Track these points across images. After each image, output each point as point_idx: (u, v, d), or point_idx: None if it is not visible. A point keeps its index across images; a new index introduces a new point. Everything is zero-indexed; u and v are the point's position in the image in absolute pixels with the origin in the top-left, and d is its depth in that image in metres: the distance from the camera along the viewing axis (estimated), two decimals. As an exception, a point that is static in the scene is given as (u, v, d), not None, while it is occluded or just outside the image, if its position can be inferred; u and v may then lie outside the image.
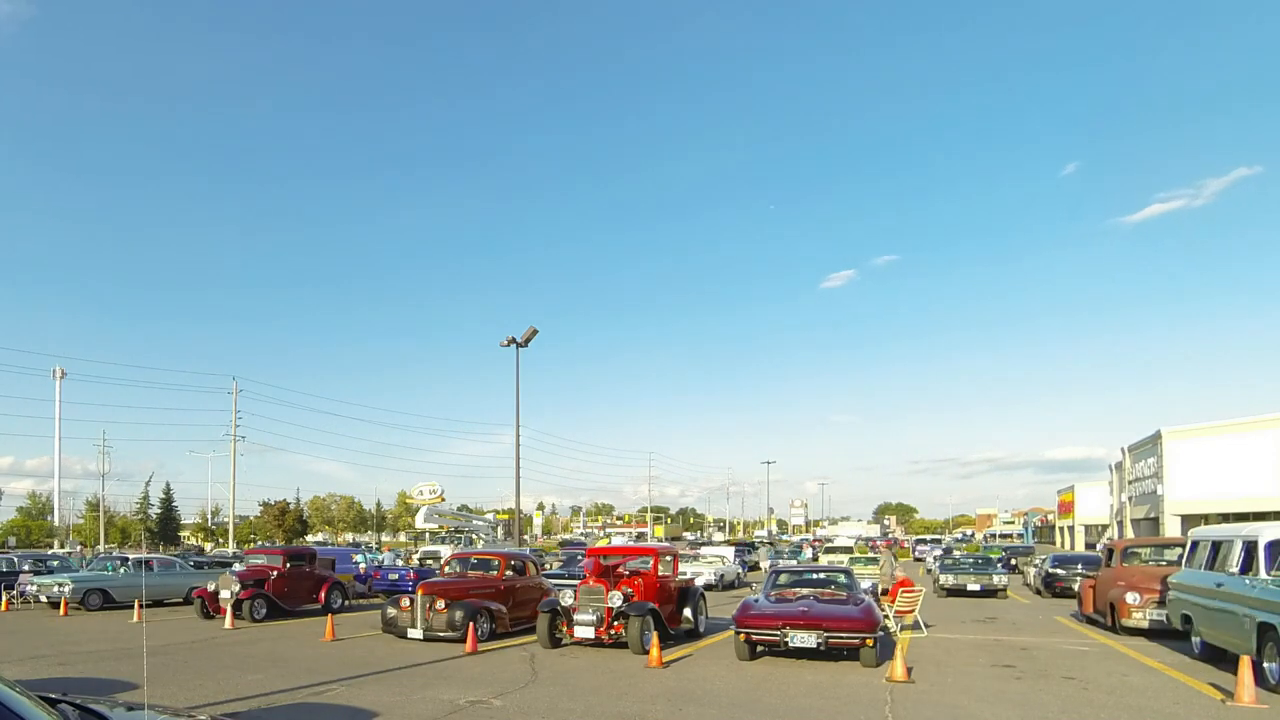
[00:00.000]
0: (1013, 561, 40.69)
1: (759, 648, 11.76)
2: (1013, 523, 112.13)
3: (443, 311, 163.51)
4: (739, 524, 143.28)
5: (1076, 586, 20.23)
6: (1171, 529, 33.91)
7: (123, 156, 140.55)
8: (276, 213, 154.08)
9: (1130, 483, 43.22)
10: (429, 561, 31.02)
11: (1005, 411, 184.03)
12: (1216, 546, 11.54)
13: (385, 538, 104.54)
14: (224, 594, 17.30)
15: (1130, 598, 14.42)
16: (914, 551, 63.65)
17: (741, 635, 11.53)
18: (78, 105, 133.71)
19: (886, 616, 13.79)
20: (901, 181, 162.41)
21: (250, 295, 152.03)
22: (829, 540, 51.80)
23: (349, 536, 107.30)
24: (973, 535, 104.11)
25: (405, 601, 14.16)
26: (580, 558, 27.05)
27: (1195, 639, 11.77)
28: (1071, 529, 65.95)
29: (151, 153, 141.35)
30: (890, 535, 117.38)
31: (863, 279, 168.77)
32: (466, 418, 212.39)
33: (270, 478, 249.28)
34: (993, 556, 33.50)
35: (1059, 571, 25.00)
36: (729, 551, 34.89)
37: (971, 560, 28.81)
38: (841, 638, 11.00)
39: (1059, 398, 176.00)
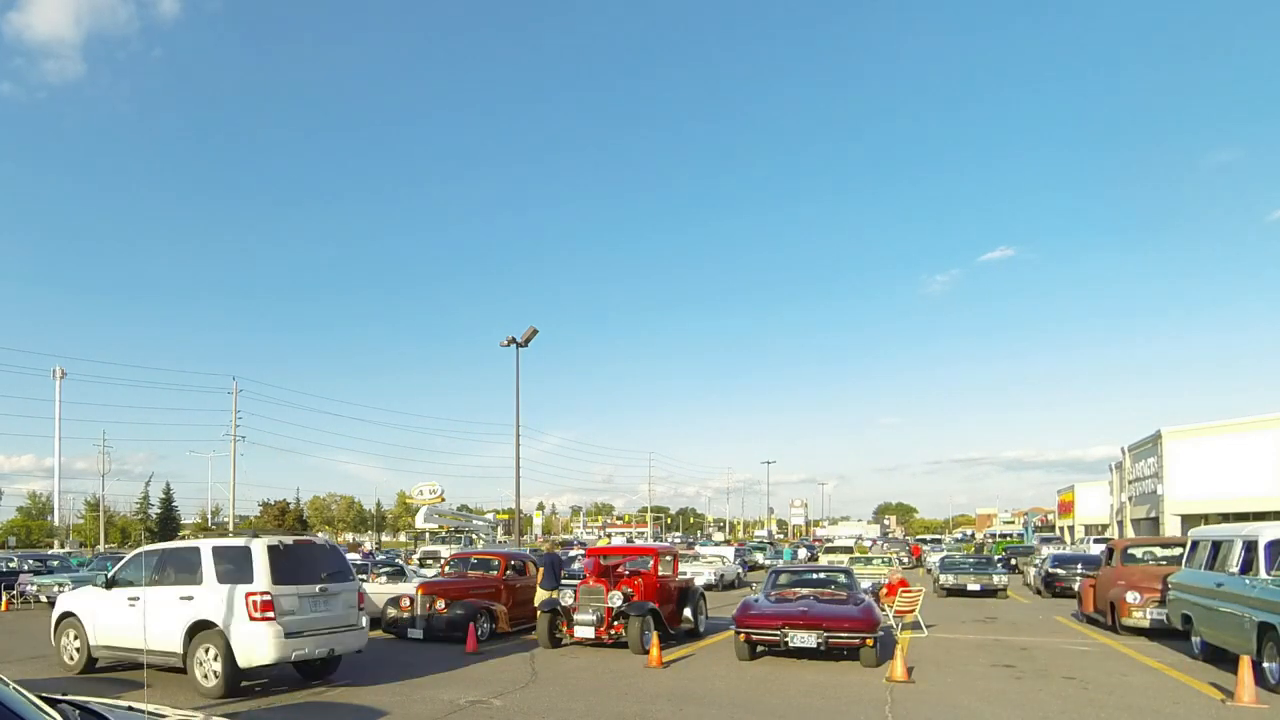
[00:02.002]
0: (1013, 561, 40.69)
1: (759, 648, 11.76)
2: (1013, 522, 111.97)
3: (464, 314, 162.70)
4: (739, 524, 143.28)
5: (1076, 586, 20.24)
6: (1171, 529, 33.93)
7: (123, 156, 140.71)
8: (278, 213, 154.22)
9: (1130, 482, 43.24)
10: (429, 561, 31.01)
11: (1041, 411, 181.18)
12: (1216, 546, 11.54)
13: (386, 537, 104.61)
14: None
15: (1130, 597, 14.42)
16: None
17: (741, 635, 11.53)
18: (78, 104, 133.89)
19: (886, 616, 13.80)
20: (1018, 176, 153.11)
21: (251, 295, 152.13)
22: (828, 540, 51.80)
23: (349, 536, 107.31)
24: (972, 535, 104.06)
25: (405, 601, 14.17)
26: (580, 558, 27.07)
27: (1195, 639, 11.76)
28: (1071, 529, 65.97)
29: (151, 152, 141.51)
30: (891, 535, 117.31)
31: (969, 277, 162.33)
32: (477, 419, 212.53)
33: (274, 477, 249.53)
34: (995, 556, 33.59)
35: (1059, 571, 24.99)
36: (729, 551, 34.90)
37: (972, 560, 28.81)
38: (841, 638, 11.00)
39: (1092, 396, 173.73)
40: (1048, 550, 35.91)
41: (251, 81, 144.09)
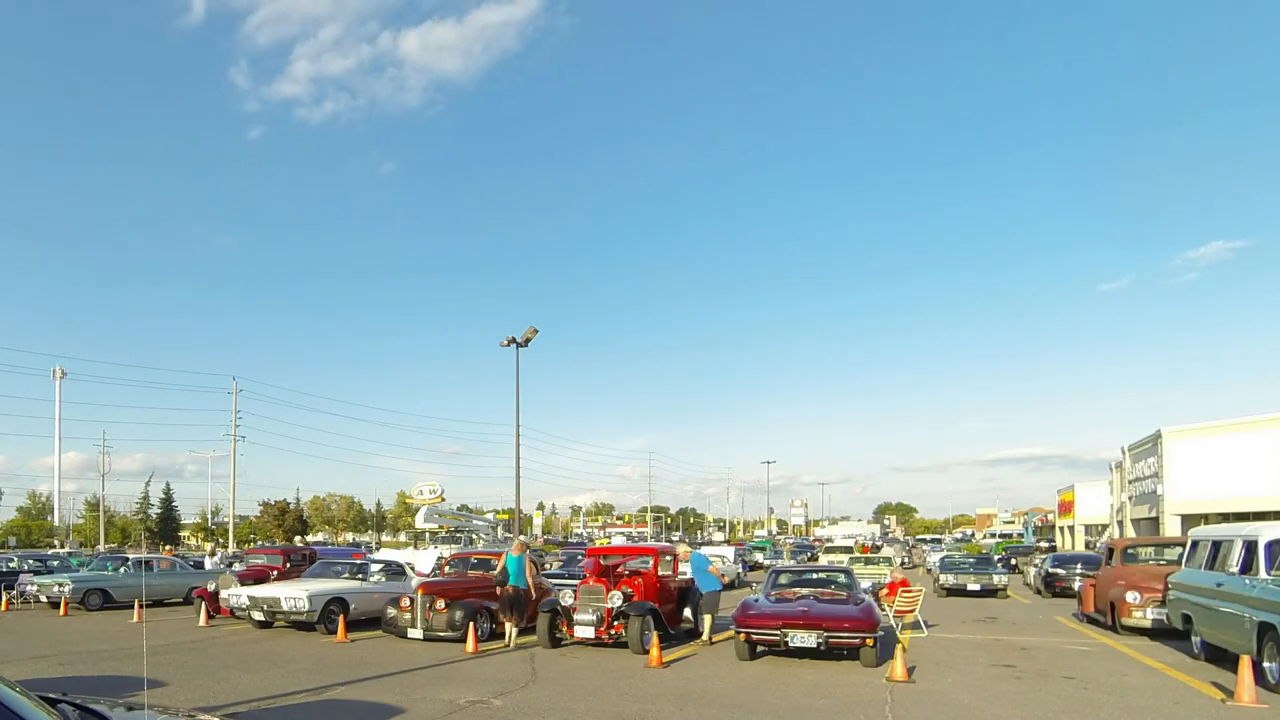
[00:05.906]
0: (1013, 561, 40.70)
1: (759, 648, 11.76)
2: (1013, 522, 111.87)
3: (465, 313, 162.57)
4: (739, 523, 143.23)
5: (1076, 586, 20.23)
6: (1171, 529, 33.88)
7: (123, 154, 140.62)
8: (279, 212, 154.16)
9: (1130, 482, 43.19)
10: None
11: (1083, 409, 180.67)
12: (1216, 546, 11.54)
13: (386, 537, 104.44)
14: (224, 594, 17.29)
15: (1131, 597, 14.41)
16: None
17: (741, 635, 11.53)
18: (76, 102, 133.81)
19: (886, 616, 13.80)
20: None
21: (252, 295, 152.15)
22: (828, 540, 51.77)
23: (349, 536, 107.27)
24: (972, 535, 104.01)
25: (405, 601, 14.17)
26: (580, 558, 27.05)
27: (1195, 639, 11.76)
28: (1071, 529, 65.92)
29: (151, 152, 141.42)
30: (890, 535, 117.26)
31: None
32: (481, 420, 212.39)
33: (274, 477, 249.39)
34: (995, 556, 33.57)
35: (1059, 571, 24.99)
36: (729, 551, 34.92)
37: (972, 560, 28.82)
38: (841, 638, 11.00)
39: (1094, 395, 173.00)
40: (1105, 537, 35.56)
41: (252, 80, 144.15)
